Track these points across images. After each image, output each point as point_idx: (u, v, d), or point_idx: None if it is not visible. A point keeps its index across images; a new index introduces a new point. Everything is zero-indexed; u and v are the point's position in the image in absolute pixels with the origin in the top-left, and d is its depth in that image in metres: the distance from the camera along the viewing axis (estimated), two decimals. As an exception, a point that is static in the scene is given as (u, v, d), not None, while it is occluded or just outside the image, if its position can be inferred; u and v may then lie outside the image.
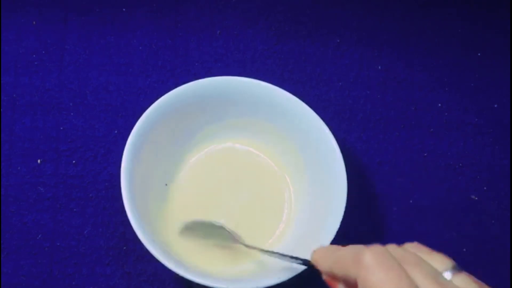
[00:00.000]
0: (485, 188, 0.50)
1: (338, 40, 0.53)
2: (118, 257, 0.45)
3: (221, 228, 0.42)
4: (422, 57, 0.53)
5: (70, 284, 0.44)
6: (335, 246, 0.33)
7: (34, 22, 0.50)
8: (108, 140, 0.48)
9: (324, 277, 0.33)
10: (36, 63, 0.49)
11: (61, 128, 0.48)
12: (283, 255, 0.37)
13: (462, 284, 0.27)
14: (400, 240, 0.45)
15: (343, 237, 0.43)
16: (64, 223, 0.45)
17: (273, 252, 0.38)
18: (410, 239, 0.48)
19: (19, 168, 0.46)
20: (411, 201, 0.49)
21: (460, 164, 0.50)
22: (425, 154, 0.50)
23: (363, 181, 0.49)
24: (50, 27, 0.50)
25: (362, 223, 0.48)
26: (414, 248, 0.30)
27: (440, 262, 0.28)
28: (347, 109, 0.51)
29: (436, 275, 0.27)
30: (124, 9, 0.52)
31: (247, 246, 0.41)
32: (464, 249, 0.48)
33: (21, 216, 0.45)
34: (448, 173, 0.50)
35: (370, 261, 0.27)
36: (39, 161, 0.47)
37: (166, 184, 0.45)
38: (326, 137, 0.43)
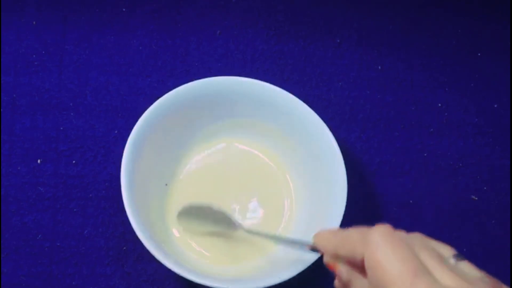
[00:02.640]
0: (485, 188, 0.50)
1: (338, 40, 0.53)
2: (118, 257, 0.45)
3: (220, 212, 0.41)
4: (422, 57, 0.53)
5: (70, 284, 0.44)
6: (338, 228, 0.33)
7: (34, 22, 0.50)
8: (108, 140, 0.48)
9: (325, 259, 0.32)
10: (36, 63, 0.49)
11: (61, 128, 0.48)
12: (285, 239, 0.36)
13: (466, 269, 0.27)
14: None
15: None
16: (64, 223, 0.45)
17: (273, 236, 0.37)
18: (410, 239, 0.48)
19: (19, 168, 0.46)
20: (411, 201, 0.49)
21: (460, 164, 0.50)
22: (425, 154, 0.50)
23: (363, 181, 0.49)
24: (50, 27, 0.50)
25: (362, 223, 0.47)
26: (418, 235, 0.30)
27: (444, 250, 0.29)
28: (347, 109, 0.51)
29: (442, 258, 0.27)
30: (124, 9, 0.52)
31: (247, 231, 0.40)
32: (464, 249, 0.48)
33: (21, 216, 0.45)
34: (448, 173, 0.50)
35: (378, 238, 0.27)
36: (39, 161, 0.47)
37: (166, 184, 0.45)
38: (326, 137, 0.43)
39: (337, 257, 0.31)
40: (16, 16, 0.50)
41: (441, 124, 0.51)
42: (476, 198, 0.50)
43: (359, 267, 0.29)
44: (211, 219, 0.42)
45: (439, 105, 0.52)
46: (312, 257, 0.38)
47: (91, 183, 0.46)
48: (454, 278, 0.26)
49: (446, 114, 0.52)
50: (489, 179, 0.50)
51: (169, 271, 0.37)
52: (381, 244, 0.27)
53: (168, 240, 0.42)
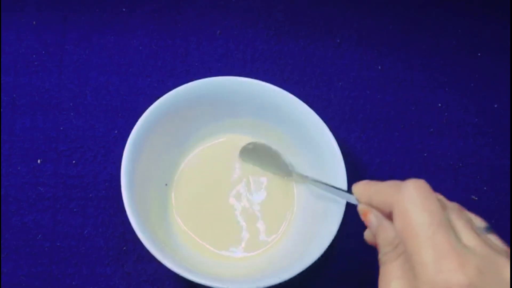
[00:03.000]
0: (485, 188, 0.50)
1: (338, 40, 0.53)
2: (118, 257, 0.45)
3: (277, 155, 0.45)
4: (422, 57, 0.53)
5: (70, 284, 0.44)
6: (374, 181, 0.33)
7: (34, 22, 0.50)
8: (108, 140, 0.48)
9: (360, 207, 0.33)
10: (36, 63, 0.49)
11: (61, 128, 0.48)
12: (326, 184, 0.39)
13: (492, 239, 0.27)
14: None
15: (343, 237, 0.43)
16: (64, 223, 0.45)
17: (317, 181, 0.40)
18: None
19: (19, 168, 0.46)
20: (411, 201, 0.49)
21: (460, 164, 0.50)
22: (425, 154, 0.50)
23: (363, 181, 0.49)
24: (50, 27, 0.50)
25: (362, 223, 0.47)
26: (454, 203, 0.30)
27: (477, 220, 0.29)
28: (347, 109, 0.51)
29: (471, 223, 0.28)
30: (124, 9, 0.52)
31: (299, 174, 0.44)
32: (464, 249, 0.48)
33: (21, 216, 0.45)
34: (448, 173, 0.50)
35: (410, 188, 0.27)
36: (39, 161, 0.47)
37: (166, 184, 0.45)
38: (326, 137, 0.43)
39: (371, 205, 0.32)
40: (16, 16, 0.50)
41: (441, 124, 0.51)
42: (476, 198, 0.50)
43: (390, 217, 0.29)
44: (268, 161, 0.45)
45: (439, 105, 0.52)
46: (312, 257, 0.38)
47: (91, 183, 0.46)
48: (476, 239, 0.26)
49: (446, 114, 0.52)
50: (489, 179, 0.50)
51: (169, 271, 0.37)
52: (412, 193, 0.27)
53: (169, 240, 0.42)
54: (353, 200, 0.35)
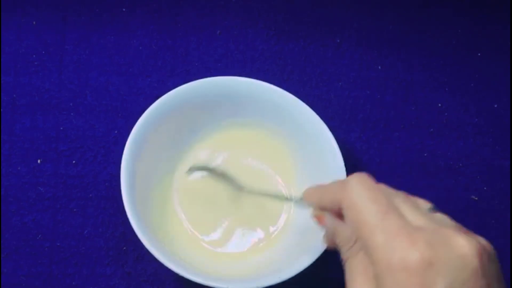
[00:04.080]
0: (485, 188, 0.50)
1: (338, 40, 0.53)
2: (118, 257, 0.45)
3: (224, 175, 0.43)
4: (422, 57, 0.53)
5: (70, 284, 0.44)
6: (321, 184, 0.35)
7: (34, 22, 0.50)
8: (108, 140, 0.48)
9: (314, 213, 0.34)
10: (36, 63, 0.49)
11: (61, 128, 0.48)
12: (280, 196, 0.39)
13: (439, 217, 0.29)
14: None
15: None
16: (64, 223, 0.45)
17: (274, 194, 0.40)
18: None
19: (19, 168, 0.46)
20: (411, 201, 0.49)
21: (460, 164, 0.50)
22: (425, 154, 0.50)
23: (363, 181, 0.49)
24: (50, 27, 0.50)
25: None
26: (397, 191, 0.31)
27: (421, 202, 0.31)
28: (347, 109, 0.51)
29: (417, 206, 0.29)
30: (124, 9, 0.52)
31: (249, 191, 0.42)
32: (464, 249, 0.48)
33: (21, 216, 0.45)
34: (448, 173, 0.50)
35: (354, 183, 0.29)
36: (39, 161, 0.47)
37: (166, 184, 0.45)
38: (326, 137, 0.43)
39: (323, 208, 0.33)
40: (16, 16, 0.50)
41: (441, 124, 0.51)
42: (476, 198, 0.50)
43: (342, 215, 0.31)
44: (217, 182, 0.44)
45: (439, 105, 0.52)
46: (312, 257, 0.38)
47: (91, 183, 0.46)
48: (423, 218, 0.28)
49: (446, 114, 0.52)
50: (489, 179, 0.50)
51: (169, 271, 0.37)
52: (356, 187, 0.29)
53: (169, 240, 0.42)
54: (306, 206, 0.35)
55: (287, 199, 0.38)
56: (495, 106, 0.53)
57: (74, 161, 0.47)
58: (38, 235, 0.45)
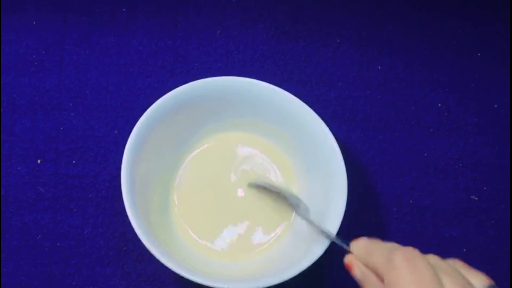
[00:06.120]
0: (485, 188, 0.50)
1: (338, 40, 0.53)
2: (118, 257, 0.45)
3: (280, 194, 0.43)
4: (422, 57, 0.53)
5: (70, 284, 0.44)
6: (371, 240, 0.33)
7: (34, 22, 0.50)
8: (108, 140, 0.48)
9: (346, 259, 0.34)
10: (36, 63, 0.49)
11: (61, 128, 0.48)
12: (328, 234, 0.38)
13: None
14: (400, 239, 0.46)
15: (343, 237, 0.43)
16: (64, 223, 0.45)
17: (318, 226, 0.39)
18: (410, 239, 0.48)
19: (19, 168, 0.46)
20: (411, 201, 0.49)
21: (460, 164, 0.50)
22: (425, 154, 0.50)
23: (363, 181, 0.49)
24: (50, 27, 0.50)
25: (362, 223, 0.48)
26: (454, 262, 0.30)
27: (478, 279, 0.28)
28: (347, 109, 0.51)
29: (467, 285, 0.27)
30: (124, 9, 0.52)
31: (303, 217, 0.41)
32: (464, 249, 0.48)
33: (21, 216, 0.45)
34: (448, 173, 0.50)
35: (399, 259, 0.28)
36: (39, 161, 0.47)
37: (166, 184, 0.45)
38: (326, 137, 0.43)
39: (365, 265, 0.32)
40: (16, 16, 0.50)
41: (441, 124, 0.51)
42: (476, 198, 0.50)
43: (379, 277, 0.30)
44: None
45: (439, 105, 0.52)
46: (312, 257, 0.38)
47: (91, 183, 0.46)
48: None
49: (446, 114, 0.52)
50: (489, 179, 0.50)
51: (169, 271, 0.37)
52: (401, 266, 0.27)
53: (169, 240, 0.42)
54: (346, 247, 0.35)
55: (336, 237, 0.37)
56: (495, 106, 0.53)
57: (74, 161, 0.47)
58: (38, 235, 0.45)
